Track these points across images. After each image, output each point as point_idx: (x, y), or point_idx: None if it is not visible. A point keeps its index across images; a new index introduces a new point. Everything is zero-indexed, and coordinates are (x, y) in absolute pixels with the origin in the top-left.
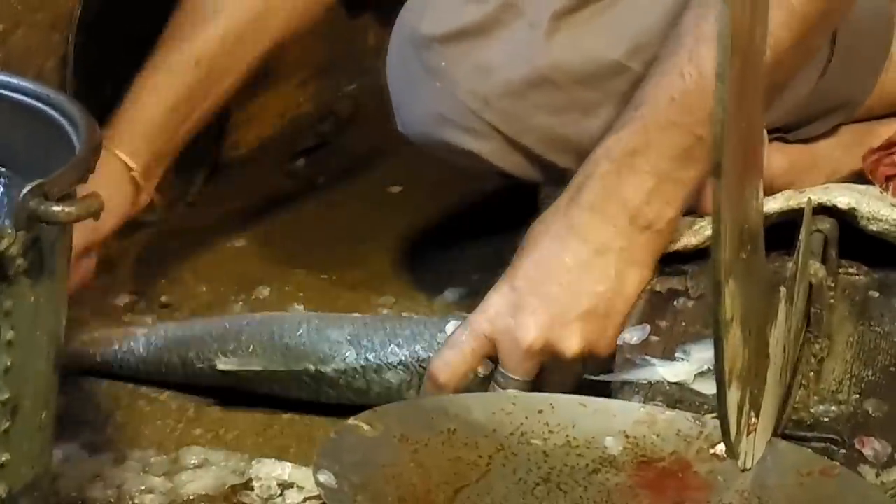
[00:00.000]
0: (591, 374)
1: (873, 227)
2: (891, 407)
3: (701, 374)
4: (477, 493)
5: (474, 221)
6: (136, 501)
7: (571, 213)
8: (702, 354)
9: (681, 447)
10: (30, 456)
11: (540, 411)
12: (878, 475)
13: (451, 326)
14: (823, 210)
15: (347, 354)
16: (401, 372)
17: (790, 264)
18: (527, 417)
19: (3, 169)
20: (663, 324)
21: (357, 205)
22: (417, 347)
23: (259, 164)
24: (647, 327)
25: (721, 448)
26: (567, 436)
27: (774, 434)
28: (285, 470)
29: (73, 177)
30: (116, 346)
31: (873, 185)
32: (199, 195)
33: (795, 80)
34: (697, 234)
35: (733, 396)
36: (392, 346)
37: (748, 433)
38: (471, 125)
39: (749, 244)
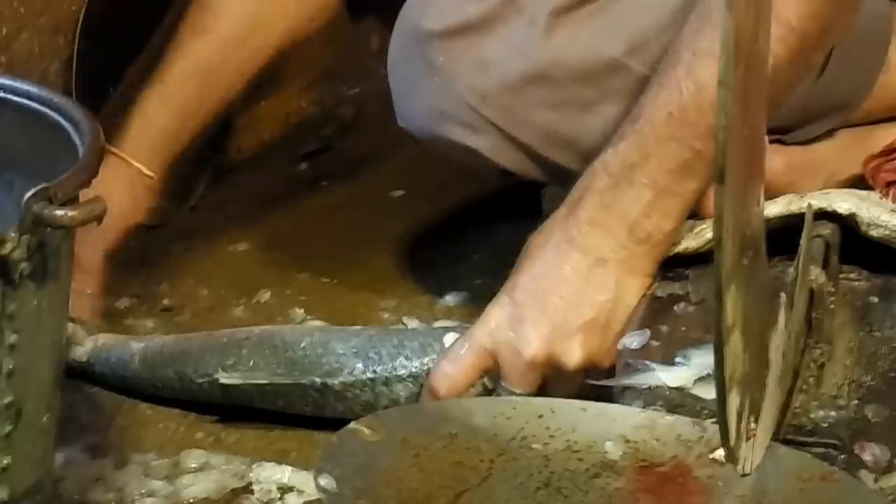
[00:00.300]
0: (591, 379)
1: (874, 233)
2: (891, 412)
3: (701, 379)
4: (478, 497)
5: (476, 225)
6: None
7: (570, 225)
8: (702, 359)
9: (681, 452)
10: (32, 459)
11: (540, 416)
12: (876, 480)
13: (448, 339)
14: (824, 215)
15: (356, 367)
16: (410, 384)
17: (791, 270)
18: (527, 422)
19: (7, 173)
20: (664, 328)
21: (359, 208)
22: (427, 359)
23: (262, 167)
24: (648, 332)
25: (721, 453)
26: (568, 440)
27: (774, 439)
28: (286, 474)
29: (77, 181)
30: (111, 358)
31: (873, 190)
32: (201, 199)
33: None
34: (698, 237)
35: (733, 401)
36: (401, 357)
37: (748, 438)
38: (469, 121)
39: (750, 250)
